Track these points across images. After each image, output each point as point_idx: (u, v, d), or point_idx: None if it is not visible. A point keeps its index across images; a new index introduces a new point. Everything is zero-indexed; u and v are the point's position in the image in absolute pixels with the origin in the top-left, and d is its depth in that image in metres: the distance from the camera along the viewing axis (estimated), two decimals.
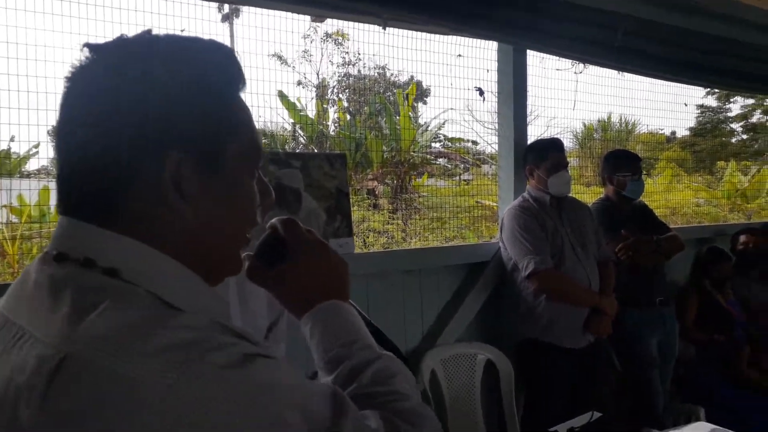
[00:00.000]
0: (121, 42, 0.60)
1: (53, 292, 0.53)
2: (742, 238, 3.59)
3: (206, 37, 0.64)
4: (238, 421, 0.47)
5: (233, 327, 0.53)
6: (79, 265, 0.55)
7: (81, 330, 0.49)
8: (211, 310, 0.58)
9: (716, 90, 11.62)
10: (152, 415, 0.45)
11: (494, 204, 3.56)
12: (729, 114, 15.17)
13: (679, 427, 2.05)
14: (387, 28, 2.49)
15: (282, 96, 6.92)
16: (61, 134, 0.58)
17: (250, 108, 0.66)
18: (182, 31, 2.22)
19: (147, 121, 0.56)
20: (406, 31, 2.90)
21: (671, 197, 6.30)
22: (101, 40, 0.60)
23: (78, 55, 0.59)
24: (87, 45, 0.59)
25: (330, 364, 0.68)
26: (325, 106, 8.47)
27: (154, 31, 0.62)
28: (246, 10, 2.68)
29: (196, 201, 0.59)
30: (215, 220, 0.62)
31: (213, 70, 0.61)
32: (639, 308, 2.83)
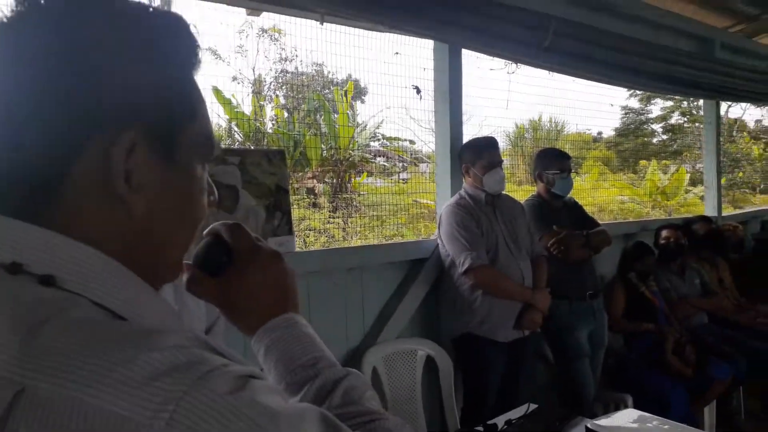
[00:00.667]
0: None
1: None
2: (664, 233, 3.78)
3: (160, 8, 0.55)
4: None
5: (211, 343, 0.46)
6: (4, 269, 0.45)
7: (33, 355, 0.39)
8: (166, 323, 0.51)
9: (638, 92, 12.22)
10: None
11: (431, 203, 3.61)
12: (650, 115, 16.00)
13: (609, 414, 2.14)
14: (324, 24, 2.47)
15: (216, 92, 6.75)
16: None
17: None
18: None
19: (96, 94, 0.47)
20: (343, 27, 2.89)
21: (598, 195, 6.57)
22: None
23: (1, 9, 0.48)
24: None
25: (294, 386, 0.61)
26: (261, 102, 8.32)
27: None
28: (178, 1, 2.60)
29: (147, 193, 0.50)
30: (167, 216, 0.53)
31: (172, 39, 0.53)
32: (570, 301, 2.93)
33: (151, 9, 0.52)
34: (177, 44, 0.53)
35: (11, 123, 0.47)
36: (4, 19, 0.48)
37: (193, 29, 0.54)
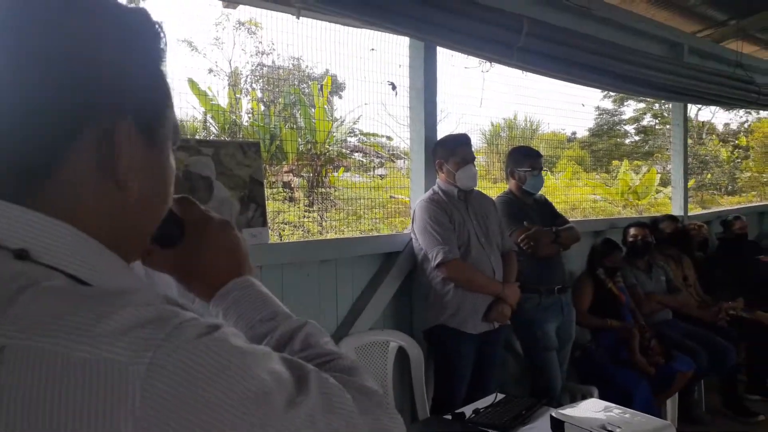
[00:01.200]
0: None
1: None
2: (632, 231, 3.88)
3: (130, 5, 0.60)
4: (226, 388, 0.43)
5: (180, 302, 0.49)
6: None
7: (11, 320, 0.41)
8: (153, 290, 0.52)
9: (612, 93, 12.43)
10: (134, 401, 0.39)
11: (407, 198, 3.65)
12: (623, 116, 16.29)
13: (574, 404, 2.21)
14: (301, 18, 2.49)
15: (192, 83, 6.69)
16: None
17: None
18: None
19: (93, 85, 0.50)
20: (320, 22, 2.91)
21: (571, 193, 6.69)
22: None
23: None
24: None
25: (255, 339, 0.63)
26: (237, 95, 8.27)
27: None
28: None
29: (138, 174, 0.55)
30: (152, 195, 0.58)
31: (148, 34, 0.56)
32: (539, 295, 3.00)
33: (124, 6, 0.55)
34: (152, 39, 0.57)
35: (12, 112, 0.49)
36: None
37: (158, 23, 0.57)
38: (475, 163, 2.79)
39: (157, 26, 0.57)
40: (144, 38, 0.56)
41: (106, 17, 0.53)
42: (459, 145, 2.76)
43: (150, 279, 0.74)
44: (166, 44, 0.58)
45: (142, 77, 0.55)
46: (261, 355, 0.48)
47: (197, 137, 7.26)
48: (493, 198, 3.08)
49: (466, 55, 3.16)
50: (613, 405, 2.10)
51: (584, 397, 3.16)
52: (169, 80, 0.60)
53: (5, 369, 0.39)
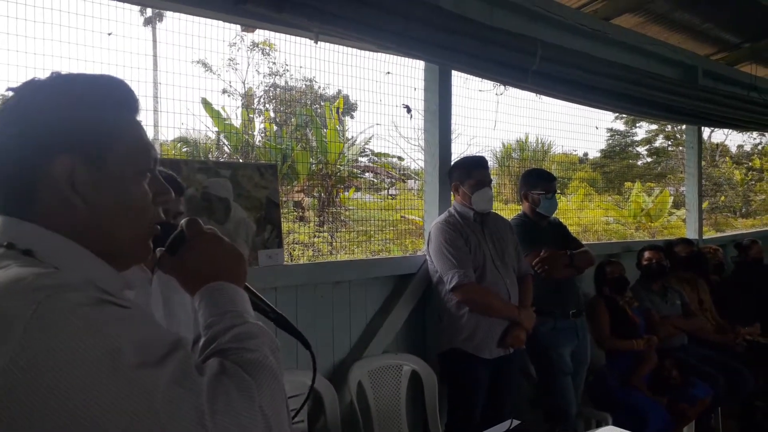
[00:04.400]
0: (31, 82, 0.79)
1: None
2: (646, 254, 3.85)
3: (97, 75, 0.84)
4: (80, 343, 0.60)
5: (104, 288, 0.69)
6: (3, 247, 0.72)
7: None
8: (103, 279, 0.73)
9: (624, 115, 12.43)
10: (18, 333, 0.59)
11: (419, 219, 3.65)
12: (635, 138, 16.26)
13: (589, 431, 2.17)
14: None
15: (206, 104, 6.77)
16: None
17: (142, 123, 0.85)
18: (110, 35, 2.16)
19: (42, 133, 0.74)
20: (335, 45, 2.95)
21: (583, 215, 6.65)
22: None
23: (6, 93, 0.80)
24: (9, 89, 0.78)
25: (205, 330, 0.80)
26: (251, 115, 8.36)
27: (64, 71, 0.82)
28: (170, 15, 2.63)
29: (89, 195, 0.76)
30: (106, 210, 0.77)
31: (96, 94, 0.79)
32: (554, 319, 2.97)
33: (89, 78, 0.81)
34: (102, 97, 0.79)
35: (5, 157, 0.75)
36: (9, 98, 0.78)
37: (125, 85, 0.82)
38: (491, 185, 2.79)
39: (107, 90, 0.80)
40: (86, 102, 0.77)
41: (56, 96, 0.77)
42: (476, 167, 2.76)
43: (170, 314, 1.01)
44: (119, 98, 0.81)
45: (78, 127, 0.76)
46: (132, 327, 0.65)
47: (210, 157, 7.33)
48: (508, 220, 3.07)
49: (480, 79, 3.18)
50: None
51: (599, 424, 3.11)
52: (124, 122, 0.81)
53: None
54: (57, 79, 0.79)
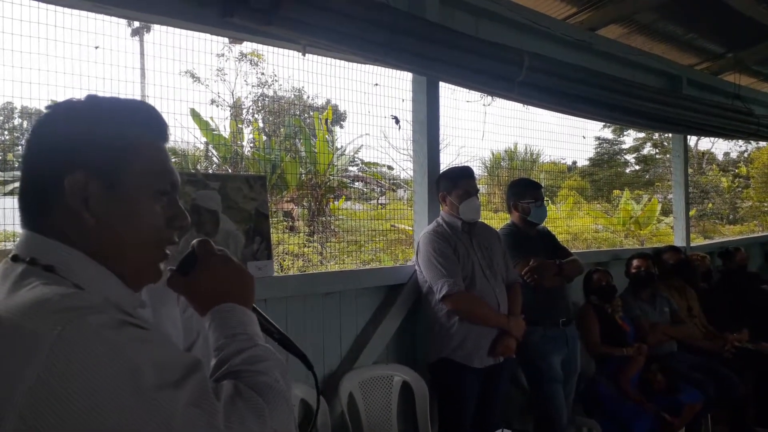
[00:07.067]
0: (68, 101, 0.83)
1: (3, 278, 0.74)
2: (635, 262, 3.87)
3: (138, 98, 0.88)
4: (103, 366, 0.63)
5: (124, 307, 0.72)
6: (26, 262, 0.75)
7: (11, 299, 0.69)
8: (120, 298, 0.77)
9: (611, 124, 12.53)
10: (43, 355, 0.61)
11: (409, 228, 3.65)
12: (623, 146, 16.40)
13: None
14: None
15: (194, 114, 6.77)
16: (21, 165, 0.82)
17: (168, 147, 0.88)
18: (96, 48, 2.16)
19: (59, 149, 0.78)
20: (323, 57, 2.96)
21: (573, 223, 6.69)
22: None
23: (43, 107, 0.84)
24: (47, 106, 0.84)
25: (216, 351, 0.82)
26: (240, 126, 8.35)
27: (99, 94, 0.85)
28: (158, 27, 2.63)
29: (101, 212, 0.78)
30: (115, 228, 0.80)
31: (117, 115, 0.82)
32: (543, 328, 2.97)
33: (116, 102, 0.85)
34: (124, 119, 0.82)
35: (30, 176, 0.80)
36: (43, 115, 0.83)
37: (153, 110, 0.86)
38: (478, 194, 2.81)
39: (130, 114, 0.83)
40: (107, 125, 0.80)
41: (80, 118, 0.80)
42: (462, 177, 2.78)
43: (157, 324, 0.96)
44: (141, 121, 0.83)
45: (95, 147, 0.79)
46: (150, 350, 0.67)
47: (199, 168, 7.31)
48: (497, 229, 3.08)
49: (467, 90, 3.21)
50: None
51: (591, 431, 3.12)
52: (139, 144, 0.83)
53: None
54: (89, 100, 0.83)
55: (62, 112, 0.81)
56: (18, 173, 0.85)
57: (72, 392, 0.61)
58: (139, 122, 0.83)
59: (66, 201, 0.76)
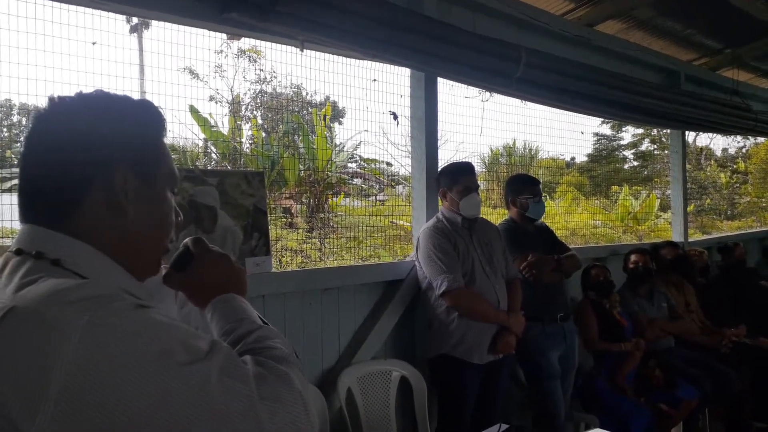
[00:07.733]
0: (84, 96, 0.83)
1: (10, 274, 0.73)
2: (633, 257, 3.88)
3: (139, 98, 0.89)
4: (134, 348, 0.64)
5: (135, 293, 0.74)
6: (31, 256, 0.74)
7: (23, 292, 0.68)
8: (133, 288, 0.78)
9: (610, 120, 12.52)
10: (74, 342, 0.62)
11: (407, 224, 3.66)
12: (621, 142, 16.39)
13: None
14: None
15: (193, 111, 6.75)
16: (28, 160, 0.80)
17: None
18: (94, 44, 2.15)
19: (100, 146, 0.79)
20: (321, 53, 2.95)
21: (571, 219, 6.69)
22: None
23: (42, 102, 0.84)
24: (49, 97, 0.81)
25: (224, 336, 0.85)
26: (238, 122, 8.33)
27: (108, 90, 0.86)
28: (156, 24, 2.63)
29: (136, 205, 0.81)
30: (147, 222, 0.83)
31: (147, 116, 0.86)
32: (542, 324, 2.98)
33: (131, 102, 0.86)
34: (147, 117, 0.86)
35: (50, 169, 0.78)
36: (46, 109, 0.81)
37: (160, 110, 0.88)
38: (478, 190, 2.81)
39: (153, 111, 0.86)
40: (138, 122, 0.84)
41: (112, 113, 0.82)
42: (462, 173, 2.78)
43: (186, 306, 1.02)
44: (161, 123, 0.87)
45: (133, 143, 0.82)
46: (175, 329, 0.70)
47: (198, 165, 7.30)
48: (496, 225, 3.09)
49: (466, 86, 3.21)
50: None
51: (587, 427, 3.13)
52: (163, 143, 0.87)
53: (8, 323, 0.66)
54: (102, 95, 0.84)
55: (79, 107, 0.81)
56: (17, 170, 0.83)
57: (106, 377, 0.62)
58: (157, 121, 0.87)
59: (99, 197, 0.78)
